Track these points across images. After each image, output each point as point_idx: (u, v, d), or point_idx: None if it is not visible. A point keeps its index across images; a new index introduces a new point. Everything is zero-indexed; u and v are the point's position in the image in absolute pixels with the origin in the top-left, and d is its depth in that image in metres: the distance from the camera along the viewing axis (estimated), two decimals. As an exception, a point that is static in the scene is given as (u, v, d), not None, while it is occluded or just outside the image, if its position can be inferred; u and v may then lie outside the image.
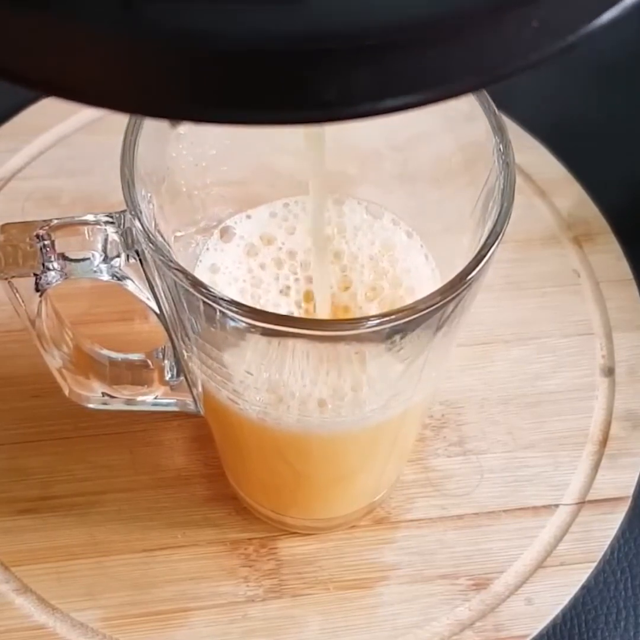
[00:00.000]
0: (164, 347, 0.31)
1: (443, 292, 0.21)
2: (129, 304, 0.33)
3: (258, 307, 0.27)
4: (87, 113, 0.45)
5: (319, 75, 0.11)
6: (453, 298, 0.22)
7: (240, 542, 0.35)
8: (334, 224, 0.29)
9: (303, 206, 0.30)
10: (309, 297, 0.28)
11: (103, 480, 0.36)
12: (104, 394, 0.31)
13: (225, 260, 0.29)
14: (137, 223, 0.22)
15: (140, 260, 0.25)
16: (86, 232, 0.25)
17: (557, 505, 0.36)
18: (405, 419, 0.29)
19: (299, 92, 0.12)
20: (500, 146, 0.24)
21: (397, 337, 0.22)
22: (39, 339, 0.29)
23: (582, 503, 0.36)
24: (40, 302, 0.26)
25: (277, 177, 0.29)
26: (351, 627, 0.33)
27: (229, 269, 0.28)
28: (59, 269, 0.25)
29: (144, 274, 0.25)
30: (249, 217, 0.30)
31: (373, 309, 0.28)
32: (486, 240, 0.22)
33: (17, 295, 0.26)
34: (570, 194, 0.45)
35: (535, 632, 0.33)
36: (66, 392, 0.31)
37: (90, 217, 0.25)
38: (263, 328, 0.21)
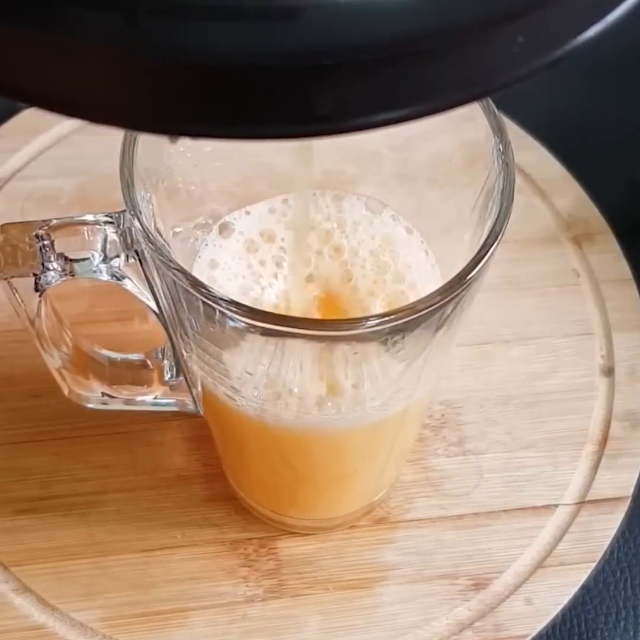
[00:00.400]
0: (164, 347, 0.31)
1: (443, 292, 0.21)
2: (128, 304, 0.33)
3: (258, 303, 0.27)
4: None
5: (313, 91, 0.12)
6: (453, 298, 0.22)
7: (240, 542, 0.35)
8: (333, 219, 0.29)
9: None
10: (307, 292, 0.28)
11: (102, 480, 0.36)
12: (103, 394, 0.31)
13: (224, 256, 0.29)
14: (136, 223, 0.22)
15: (139, 260, 0.25)
16: (86, 232, 0.25)
17: (556, 505, 0.36)
18: (404, 418, 0.29)
19: (293, 107, 0.12)
20: (500, 146, 0.24)
21: (396, 337, 0.22)
22: (39, 338, 0.29)
23: (581, 503, 0.36)
24: (40, 302, 0.26)
25: (276, 174, 0.29)
26: (351, 627, 0.33)
27: (229, 265, 0.28)
28: (58, 269, 0.25)
29: (143, 274, 0.25)
30: (248, 213, 0.30)
31: (375, 305, 0.28)
32: (486, 240, 0.22)
33: (17, 295, 0.26)
34: (569, 194, 0.45)
35: (534, 632, 0.33)
36: (65, 392, 0.31)
37: (89, 217, 0.25)
38: (263, 328, 0.21)
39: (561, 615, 0.34)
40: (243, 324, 0.21)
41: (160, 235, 0.24)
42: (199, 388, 0.29)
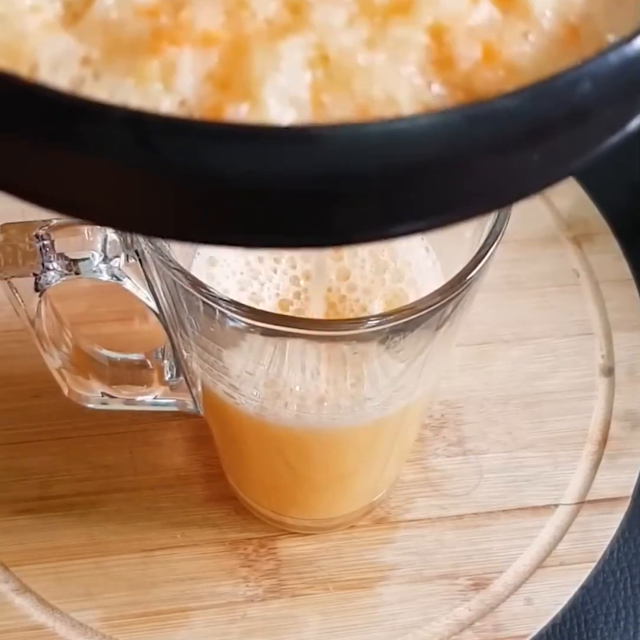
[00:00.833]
0: (164, 347, 0.31)
1: (443, 292, 0.21)
2: (128, 304, 0.33)
3: (257, 300, 0.27)
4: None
5: (330, 209, 0.12)
6: (453, 298, 0.22)
7: (240, 542, 0.35)
8: None
9: None
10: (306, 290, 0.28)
11: (102, 480, 0.36)
12: (103, 394, 0.31)
13: (223, 253, 0.29)
14: (136, 223, 0.22)
15: (139, 260, 0.25)
16: (86, 232, 0.25)
17: (556, 505, 0.36)
18: (404, 418, 0.29)
19: (309, 222, 0.12)
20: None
21: (397, 337, 0.22)
22: (39, 338, 0.29)
23: (581, 503, 0.36)
24: (40, 302, 0.26)
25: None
26: (350, 627, 0.33)
27: (228, 262, 0.28)
28: (58, 269, 0.25)
29: (143, 274, 0.25)
30: None
31: (374, 304, 0.28)
32: (486, 240, 0.22)
33: (17, 295, 0.26)
34: (569, 194, 0.45)
35: (534, 632, 0.33)
36: (66, 392, 0.31)
37: (89, 217, 0.25)
38: (263, 328, 0.21)
39: (561, 615, 0.34)
40: (243, 324, 0.21)
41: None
42: (199, 388, 0.29)
